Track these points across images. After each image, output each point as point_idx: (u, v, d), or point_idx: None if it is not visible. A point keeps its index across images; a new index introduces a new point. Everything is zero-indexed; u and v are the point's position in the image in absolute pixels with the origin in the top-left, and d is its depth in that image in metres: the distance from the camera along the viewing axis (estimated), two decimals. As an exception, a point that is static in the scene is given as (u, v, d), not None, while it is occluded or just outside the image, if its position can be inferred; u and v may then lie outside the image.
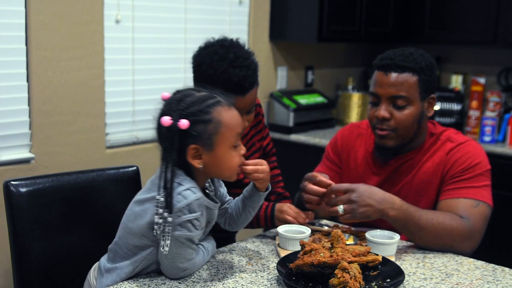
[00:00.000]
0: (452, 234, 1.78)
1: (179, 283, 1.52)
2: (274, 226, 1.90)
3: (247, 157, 1.98)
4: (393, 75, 1.90)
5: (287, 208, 1.90)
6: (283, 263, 1.58)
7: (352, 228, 1.97)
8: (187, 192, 1.47)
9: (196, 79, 1.81)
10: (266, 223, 1.92)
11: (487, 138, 3.44)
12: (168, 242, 1.44)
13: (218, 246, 1.91)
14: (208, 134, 1.49)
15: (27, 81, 2.59)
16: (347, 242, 1.75)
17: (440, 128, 2.03)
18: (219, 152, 1.51)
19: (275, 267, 1.60)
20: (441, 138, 1.99)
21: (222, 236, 2.04)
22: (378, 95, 1.92)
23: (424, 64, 1.91)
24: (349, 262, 1.47)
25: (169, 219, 1.43)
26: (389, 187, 1.98)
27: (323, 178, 1.84)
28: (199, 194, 1.50)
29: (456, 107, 3.78)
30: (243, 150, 1.56)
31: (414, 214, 1.78)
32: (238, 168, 1.55)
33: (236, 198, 1.71)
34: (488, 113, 3.59)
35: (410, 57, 1.90)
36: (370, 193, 1.77)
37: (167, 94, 1.57)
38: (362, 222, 1.90)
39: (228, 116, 1.51)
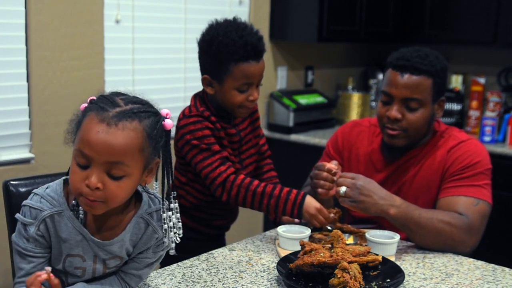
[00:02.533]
0: (452, 233, 1.78)
1: (179, 283, 1.52)
2: (300, 216, 1.82)
3: (243, 150, 1.99)
4: (409, 77, 1.88)
5: (324, 213, 1.80)
6: (283, 263, 1.58)
7: (349, 225, 1.96)
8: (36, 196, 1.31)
9: (210, 54, 1.83)
10: (292, 210, 1.80)
11: (487, 138, 3.44)
12: None
13: (207, 244, 1.91)
14: (74, 129, 1.26)
15: (27, 81, 2.59)
16: (347, 242, 1.75)
17: (443, 126, 2.03)
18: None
19: (275, 267, 1.60)
20: (444, 136, 1.99)
21: (212, 233, 2.06)
22: (391, 95, 1.91)
23: (439, 67, 1.91)
24: (349, 262, 1.47)
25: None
26: (392, 184, 1.98)
27: (330, 164, 1.86)
28: (43, 204, 1.28)
29: (456, 107, 3.78)
30: (92, 181, 1.19)
31: (414, 212, 1.78)
32: (76, 189, 1.23)
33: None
34: (488, 113, 3.59)
35: (426, 60, 1.89)
36: (374, 187, 1.79)
37: None
38: (362, 217, 1.90)
39: (88, 128, 1.20)
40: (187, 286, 1.51)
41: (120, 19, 2.89)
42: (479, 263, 1.74)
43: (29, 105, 2.60)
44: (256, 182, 1.84)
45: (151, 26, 3.04)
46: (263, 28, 3.61)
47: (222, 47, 1.79)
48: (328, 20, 3.51)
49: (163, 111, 1.29)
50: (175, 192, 1.33)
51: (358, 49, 4.39)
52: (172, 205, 1.33)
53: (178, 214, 1.34)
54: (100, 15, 2.78)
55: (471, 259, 1.76)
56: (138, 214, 1.33)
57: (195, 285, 1.51)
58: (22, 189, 1.72)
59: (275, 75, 3.76)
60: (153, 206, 1.36)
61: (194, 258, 1.69)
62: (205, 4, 3.28)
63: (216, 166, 1.83)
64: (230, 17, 1.90)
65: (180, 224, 1.35)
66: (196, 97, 1.95)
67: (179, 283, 1.52)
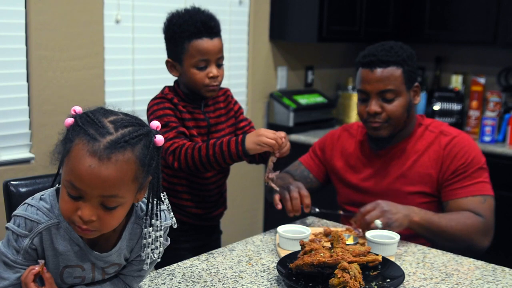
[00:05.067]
0: (469, 232, 1.86)
1: (179, 283, 1.52)
2: (246, 156, 1.82)
3: (214, 137, 2.01)
4: (379, 71, 1.96)
5: (265, 131, 1.81)
6: (283, 263, 1.58)
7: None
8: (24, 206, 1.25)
9: (168, 37, 1.98)
10: (237, 148, 1.80)
11: (487, 138, 3.44)
12: None
13: (203, 235, 1.91)
14: (61, 152, 1.19)
15: (27, 81, 2.59)
16: (347, 242, 1.75)
17: (428, 120, 2.10)
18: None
19: (275, 267, 1.60)
20: (432, 130, 2.05)
21: (207, 224, 2.08)
22: (367, 91, 1.98)
23: (405, 55, 1.98)
24: (349, 262, 1.47)
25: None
26: (382, 177, 2.04)
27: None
28: (39, 217, 1.23)
29: (456, 107, 3.78)
30: (85, 215, 1.15)
31: (433, 217, 1.86)
32: (68, 218, 1.19)
33: None
34: (488, 113, 3.59)
35: (391, 51, 1.97)
36: (393, 203, 1.85)
37: None
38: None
39: (78, 160, 1.13)
40: (187, 286, 1.51)
41: (120, 19, 2.88)
42: (479, 263, 1.74)
43: (29, 105, 2.60)
44: (200, 142, 1.88)
45: (151, 26, 3.04)
46: (263, 28, 3.61)
47: (176, 28, 1.94)
48: (328, 20, 3.51)
49: (153, 124, 1.24)
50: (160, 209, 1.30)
51: (358, 49, 4.37)
52: (153, 222, 1.28)
53: (159, 233, 1.30)
54: (100, 15, 2.78)
55: (471, 259, 1.76)
56: (132, 221, 1.31)
57: (195, 285, 1.51)
58: (22, 189, 1.72)
59: (275, 75, 3.76)
60: (144, 209, 1.32)
61: (194, 258, 1.70)
62: (205, 4, 3.27)
63: (170, 138, 1.88)
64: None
65: (158, 243, 1.30)
66: (167, 86, 2.07)
67: (179, 283, 1.52)
